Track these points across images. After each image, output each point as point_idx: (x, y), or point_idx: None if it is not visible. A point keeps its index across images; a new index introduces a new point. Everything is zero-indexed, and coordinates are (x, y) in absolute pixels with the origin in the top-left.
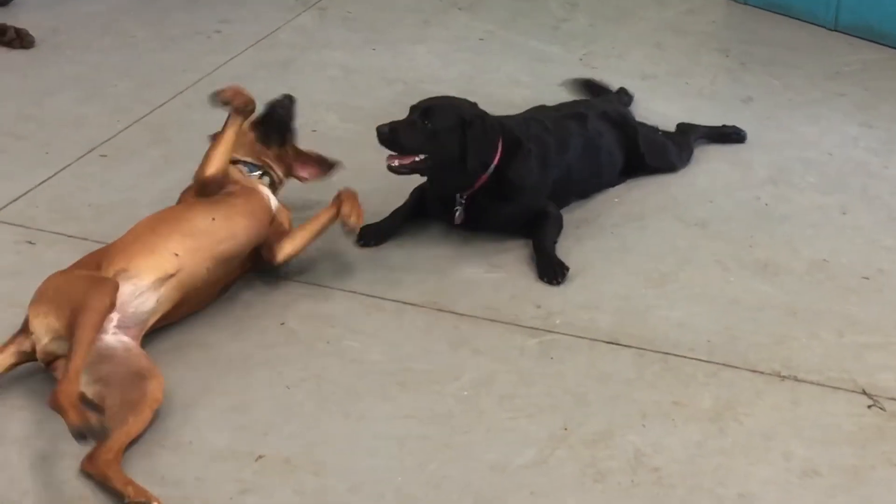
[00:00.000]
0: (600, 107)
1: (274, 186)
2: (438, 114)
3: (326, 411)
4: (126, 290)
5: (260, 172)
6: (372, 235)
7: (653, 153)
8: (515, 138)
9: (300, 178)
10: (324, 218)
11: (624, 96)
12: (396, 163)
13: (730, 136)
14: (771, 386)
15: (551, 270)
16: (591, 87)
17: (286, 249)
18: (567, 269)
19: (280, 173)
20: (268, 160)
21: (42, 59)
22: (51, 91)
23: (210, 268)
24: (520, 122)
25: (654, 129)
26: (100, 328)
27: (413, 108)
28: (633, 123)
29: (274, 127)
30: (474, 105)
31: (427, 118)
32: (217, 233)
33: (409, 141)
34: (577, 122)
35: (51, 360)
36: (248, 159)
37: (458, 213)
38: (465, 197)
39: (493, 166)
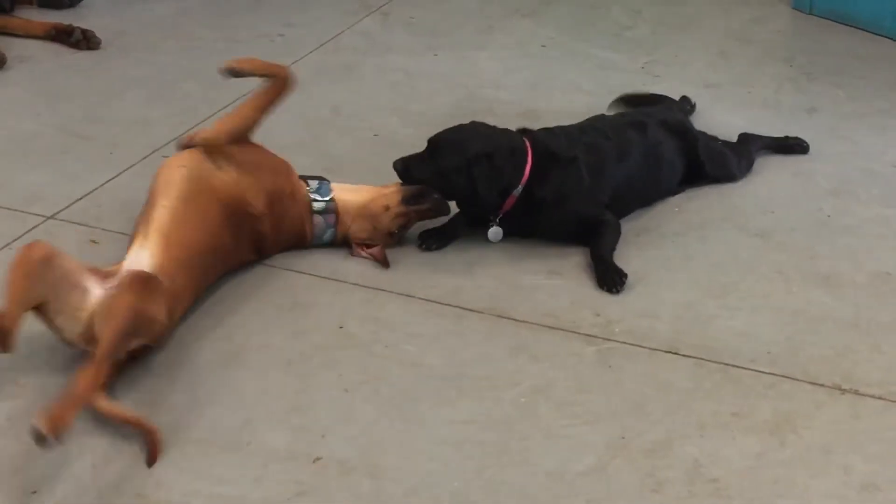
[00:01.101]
0: (660, 115)
1: (325, 212)
2: (444, 152)
3: (384, 415)
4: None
5: (326, 200)
6: (434, 239)
7: (713, 162)
8: (549, 153)
9: (359, 247)
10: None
11: (686, 105)
12: None
13: (792, 147)
14: (831, 399)
15: (610, 278)
16: (637, 101)
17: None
18: (625, 276)
19: (350, 223)
20: (365, 214)
21: (108, 61)
22: (116, 92)
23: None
24: (573, 131)
25: (714, 139)
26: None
27: (428, 141)
28: (692, 132)
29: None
30: (489, 137)
31: (434, 155)
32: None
33: (420, 178)
34: (637, 131)
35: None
36: (332, 185)
37: (491, 232)
38: (497, 217)
39: (521, 187)
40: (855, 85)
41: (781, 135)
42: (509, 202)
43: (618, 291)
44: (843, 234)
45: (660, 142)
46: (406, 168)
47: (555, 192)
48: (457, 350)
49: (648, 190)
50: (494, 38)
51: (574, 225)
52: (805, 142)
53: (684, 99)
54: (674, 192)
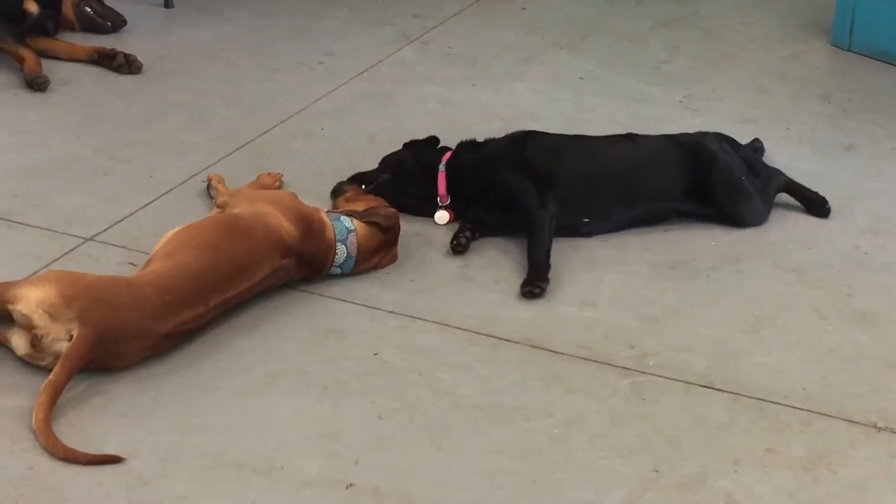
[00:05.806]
0: (672, 136)
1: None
2: (388, 160)
3: (417, 442)
4: None
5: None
6: (459, 241)
7: (725, 191)
8: (472, 141)
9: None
10: None
11: (756, 142)
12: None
13: (812, 204)
14: (867, 437)
15: (534, 283)
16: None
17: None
18: (547, 282)
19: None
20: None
21: (149, 85)
22: (156, 116)
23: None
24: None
25: (739, 169)
26: None
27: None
28: (710, 152)
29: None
30: (425, 146)
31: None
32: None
33: (364, 181)
34: (624, 137)
35: None
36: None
37: (437, 215)
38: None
39: (443, 164)
40: (893, 123)
41: (819, 172)
42: (441, 180)
43: (533, 296)
44: (879, 271)
45: (649, 148)
46: (358, 179)
47: (478, 154)
48: (490, 379)
49: (630, 189)
50: (532, 70)
51: (502, 195)
52: (828, 206)
53: (756, 140)
54: (679, 207)
